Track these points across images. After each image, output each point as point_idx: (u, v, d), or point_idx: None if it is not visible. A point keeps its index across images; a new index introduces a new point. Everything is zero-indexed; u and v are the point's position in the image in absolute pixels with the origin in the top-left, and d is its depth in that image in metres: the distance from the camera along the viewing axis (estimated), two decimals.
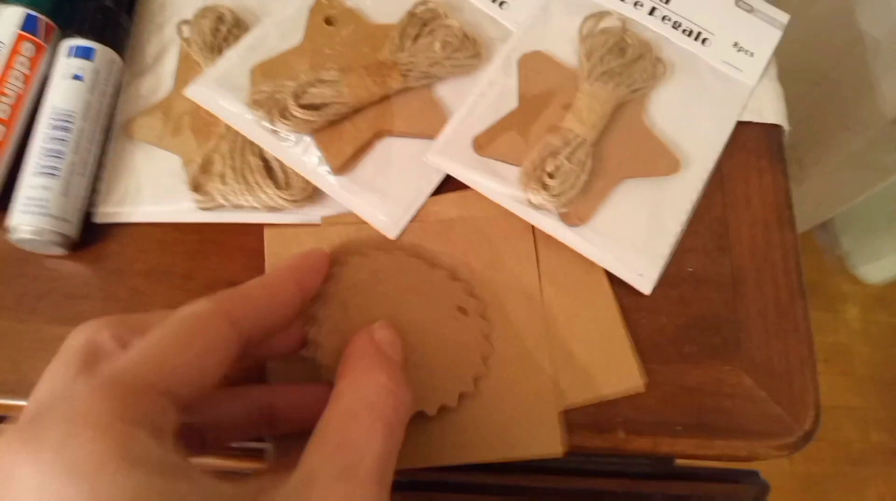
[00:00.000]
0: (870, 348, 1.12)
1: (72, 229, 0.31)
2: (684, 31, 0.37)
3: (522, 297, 0.30)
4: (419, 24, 0.34)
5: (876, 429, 1.08)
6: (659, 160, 0.34)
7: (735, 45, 0.37)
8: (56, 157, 0.30)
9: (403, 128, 0.33)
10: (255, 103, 0.31)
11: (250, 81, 0.32)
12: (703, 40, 0.37)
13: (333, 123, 0.32)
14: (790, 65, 0.69)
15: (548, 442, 0.28)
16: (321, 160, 0.31)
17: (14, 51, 0.32)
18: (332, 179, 0.31)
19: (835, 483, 1.05)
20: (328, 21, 0.34)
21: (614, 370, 0.30)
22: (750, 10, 0.37)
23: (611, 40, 0.35)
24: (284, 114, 0.31)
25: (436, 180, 0.32)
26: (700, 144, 0.34)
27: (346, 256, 0.29)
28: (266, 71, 0.33)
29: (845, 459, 1.06)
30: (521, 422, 0.28)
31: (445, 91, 0.34)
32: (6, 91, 0.32)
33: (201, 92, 0.32)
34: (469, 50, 0.34)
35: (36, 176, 0.30)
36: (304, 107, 0.31)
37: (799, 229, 0.98)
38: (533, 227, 0.31)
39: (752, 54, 0.37)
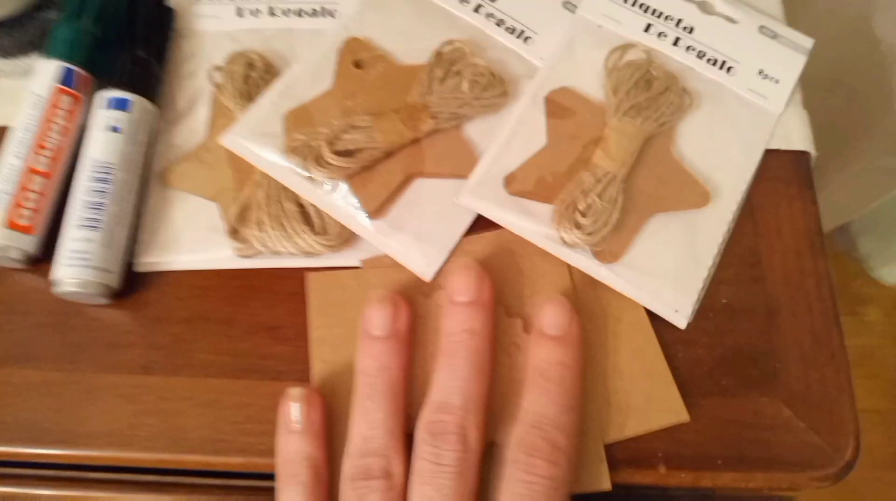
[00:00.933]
0: (894, 350, 1.11)
1: (114, 280, 0.31)
2: (709, 60, 0.37)
3: None
4: (446, 64, 0.35)
5: None
6: (689, 193, 0.34)
7: (760, 72, 0.37)
8: (97, 209, 0.31)
9: (435, 169, 0.33)
10: (291, 151, 0.32)
11: (283, 128, 0.33)
12: (728, 69, 0.37)
13: (367, 167, 0.32)
14: (807, 71, 0.69)
15: (595, 478, 0.29)
16: (357, 205, 0.32)
17: (53, 104, 0.33)
18: (367, 223, 0.32)
19: (867, 489, 1.04)
20: (357, 64, 0.35)
21: (658, 403, 0.30)
22: (774, 36, 0.38)
23: (636, 74, 0.35)
24: (319, 161, 0.31)
25: (468, 221, 0.33)
26: (729, 174, 0.34)
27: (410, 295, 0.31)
28: (299, 117, 0.33)
29: (874, 464, 1.05)
30: None
31: (474, 130, 0.34)
32: (46, 144, 0.33)
33: (236, 141, 0.33)
34: (496, 88, 0.35)
35: (78, 229, 0.31)
36: (338, 153, 0.31)
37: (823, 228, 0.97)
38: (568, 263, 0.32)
39: (777, 81, 0.37)
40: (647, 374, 0.30)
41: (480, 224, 0.33)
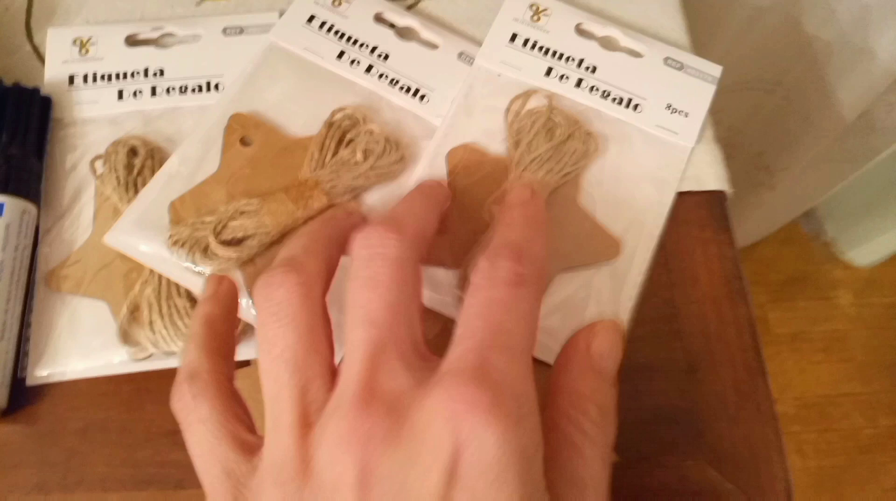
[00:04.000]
0: (867, 331, 1.11)
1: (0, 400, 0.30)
2: (614, 99, 0.35)
3: None
4: (338, 133, 0.33)
5: (884, 414, 1.07)
6: (598, 245, 0.32)
7: (668, 106, 0.35)
8: None
9: None
10: (175, 244, 0.30)
11: (170, 220, 0.31)
12: (636, 106, 0.35)
13: (259, 254, 0.31)
14: (742, 75, 0.68)
15: None
16: (250, 296, 0.30)
17: None
18: None
19: (849, 474, 1.04)
20: (244, 142, 0.33)
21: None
22: (680, 67, 0.36)
23: (538, 122, 0.34)
24: (207, 253, 0.30)
25: None
26: (640, 221, 0.33)
27: None
28: (185, 206, 0.32)
29: (856, 448, 1.05)
30: None
31: (373, 199, 0.33)
32: None
33: (120, 239, 0.31)
34: (393, 155, 0.33)
35: None
36: (226, 243, 0.30)
37: (781, 222, 0.97)
38: None
39: (686, 114, 0.35)
40: None
41: None
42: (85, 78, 0.36)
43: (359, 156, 0.32)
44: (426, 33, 0.37)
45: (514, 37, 0.37)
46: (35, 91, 0.35)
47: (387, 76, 0.35)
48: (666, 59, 0.37)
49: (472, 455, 0.18)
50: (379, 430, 0.19)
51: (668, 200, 0.34)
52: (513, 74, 0.36)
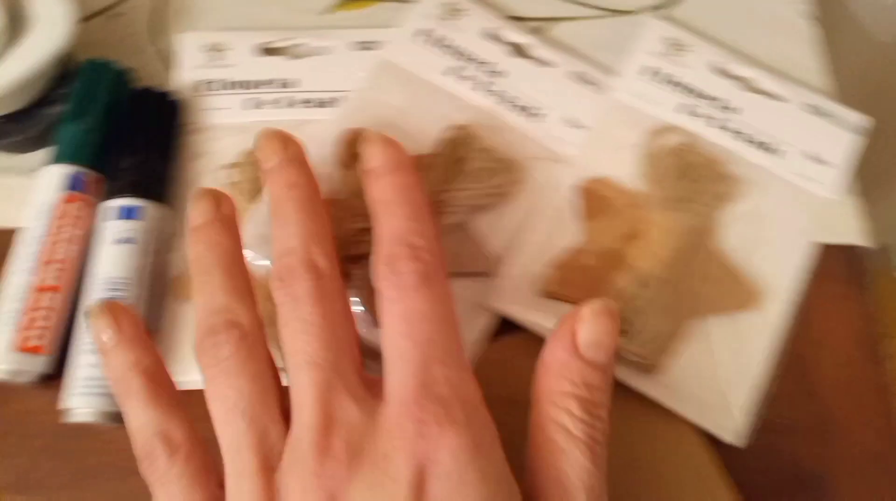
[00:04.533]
0: None
1: None
2: (751, 142, 0.34)
3: None
4: (452, 151, 0.33)
5: None
6: (736, 293, 0.31)
7: (810, 155, 0.34)
8: None
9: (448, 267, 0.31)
10: None
11: None
12: (775, 152, 0.34)
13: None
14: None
15: None
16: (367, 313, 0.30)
17: (60, 214, 0.32)
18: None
19: None
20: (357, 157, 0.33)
21: None
22: (825, 115, 0.35)
23: (679, 161, 0.33)
24: None
25: (482, 324, 0.31)
26: (778, 271, 0.32)
27: None
28: None
29: None
30: None
31: (487, 221, 0.32)
32: (55, 257, 0.31)
33: None
34: (508, 175, 0.32)
35: (89, 354, 0.29)
36: (350, 259, 0.29)
37: None
38: None
39: (829, 164, 0.34)
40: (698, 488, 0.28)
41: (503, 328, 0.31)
42: (216, 84, 0.36)
43: (474, 174, 0.32)
44: (539, 51, 0.36)
45: (650, 70, 0.36)
46: (169, 94, 0.35)
47: (497, 93, 0.35)
48: (809, 106, 0.35)
49: (433, 470, 0.19)
50: (341, 469, 0.20)
51: (806, 251, 0.32)
52: (649, 108, 0.35)
